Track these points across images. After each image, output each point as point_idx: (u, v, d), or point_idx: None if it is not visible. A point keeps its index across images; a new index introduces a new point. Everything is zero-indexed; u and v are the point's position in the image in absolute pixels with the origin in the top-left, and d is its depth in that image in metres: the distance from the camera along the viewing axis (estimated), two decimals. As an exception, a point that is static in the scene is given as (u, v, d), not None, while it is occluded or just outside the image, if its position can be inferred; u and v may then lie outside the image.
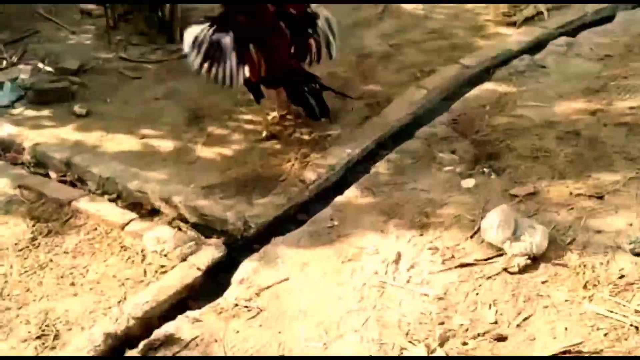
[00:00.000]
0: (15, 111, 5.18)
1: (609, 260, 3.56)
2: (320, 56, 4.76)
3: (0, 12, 6.47)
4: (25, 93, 5.33)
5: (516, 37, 5.59)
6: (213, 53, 4.48)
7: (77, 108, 5.14)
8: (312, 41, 4.73)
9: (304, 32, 4.73)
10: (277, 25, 4.71)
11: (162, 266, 3.89)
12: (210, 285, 3.80)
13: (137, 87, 5.37)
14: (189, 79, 5.36)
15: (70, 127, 4.98)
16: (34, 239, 4.13)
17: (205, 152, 4.67)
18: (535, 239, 3.58)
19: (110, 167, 4.57)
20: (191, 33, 4.55)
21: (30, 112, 5.16)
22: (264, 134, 4.84)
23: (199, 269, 3.83)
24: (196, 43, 4.50)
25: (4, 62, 5.74)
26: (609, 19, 5.69)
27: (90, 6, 6.42)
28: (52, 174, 4.65)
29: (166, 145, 4.76)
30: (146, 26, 6.01)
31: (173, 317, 3.56)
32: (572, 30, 5.59)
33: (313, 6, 4.79)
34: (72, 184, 4.56)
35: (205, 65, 4.50)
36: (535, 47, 5.42)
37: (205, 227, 4.14)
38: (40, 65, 5.61)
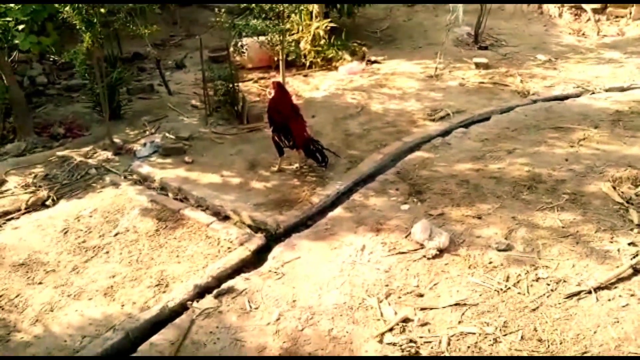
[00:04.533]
0: (151, 159, 5.16)
1: (483, 254, 3.51)
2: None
3: (148, 104, 6.49)
4: (158, 149, 5.31)
5: (434, 127, 5.53)
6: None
7: (186, 158, 5.10)
8: None
9: None
10: (295, 114, 4.73)
11: (229, 248, 3.84)
12: (256, 259, 3.76)
13: (221, 148, 5.33)
14: (250, 144, 5.35)
15: (182, 169, 4.94)
16: (157, 230, 4.09)
17: (257, 185, 4.62)
18: (442, 239, 3.54)
19: (203, 191, 4.52)
20: None
21: (159, 160, 5.13)
22: (277, 168, 4.81)
23: (250, 250, 3.79)
24: None
25: (147, 132, 5.73)
26: (487, 119, 5.64)
27: (198, 103, 6.44)
28: (170, 195, 4.60)
29: (235, 180, 4.71)
30: (228, 114, 6.00)
31: (234, 277, 3.52)
32: (466, 124, 5.54)
33: None
34: (181, 200, 4.51)
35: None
36: (445, 133, 5.37)
37: (255, 227, 4.08)
38: (167, 134, 5.60)
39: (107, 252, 3.87)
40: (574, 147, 4.85)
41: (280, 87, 4.79)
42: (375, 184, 4.47)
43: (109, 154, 5.31)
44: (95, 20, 4.62)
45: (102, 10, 4.77)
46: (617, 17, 8.74)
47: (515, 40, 8.33)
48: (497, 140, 5.10)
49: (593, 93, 6.20)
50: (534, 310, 3.00)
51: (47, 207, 4.51)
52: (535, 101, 6.05)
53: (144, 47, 8.01)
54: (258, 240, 3.89)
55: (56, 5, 4.37)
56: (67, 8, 4.36)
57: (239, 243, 3.86)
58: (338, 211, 4.15)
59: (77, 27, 4.50)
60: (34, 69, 7.37)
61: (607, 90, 6.22)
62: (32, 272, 3.70)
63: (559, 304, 3.03)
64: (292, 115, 4.70)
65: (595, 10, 8.78)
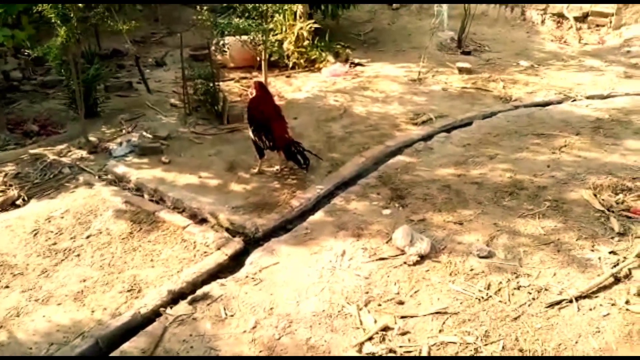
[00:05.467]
0: (127, 159, 5.01)
1: (464, 260, 3.45)
2: None
3: (126, 102, 6.33)
4: (134, 149, 5.16)
5: (417, 131, 5.46)
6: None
7: (163, 158, 4.96)
8: None
9: None
10: (276, 114, 4.63)
11: (205, 252, 3.72)
12: (233, 264, 3.64)
13: (199, 148, 5.20)
14: (230, 145, 5.23)
15: (159, 169, 4.80)
16: (131, 232, 3.95)
17: (236, 187, 4.51)
18: (423, 245, 3.47)
19: (180, 193, 4.40)
20: None
21: (136, 160, 4.98)
22: (257, 170, 4.70)
23: (227, 255, 3.68)
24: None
25: (124, 131, 5.57)
26: (470, 124, 5.61)
27: (177, 102, 6.29)
28: (146, 196, 4.47)
29: (213, 182, 4.59)
30: (208, 114, 5.88)
31: (209, 282, 3.41)
32: (449, 129, 5.49)
33: None
34: (157, 202, 4.37)
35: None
36: (428, 137, 5.31)
37: (233, 231, 3.97)
38: (144, 133, 5.46)
39: (79, 255, 3.72)
40: (556, 153, 4.84)
41: (261, 87, 4.70)
42: (357, 188, 4.39)
43: (83, 153, 5.15)
44: (72, 14, 4.47)
45: (80, 4, 4.63)
46: (597, 25, 8.83)
47: (498, 46, 8.35)
48: (479, 145, 5.06)
49: (574, 100, 6.21)
50: (515, 319, 2.94)
51: (18, 207, 4.34)
52: (517, 107, 6.04)
53: (123, 44, 7.84)
54: (236, 244, 3.78)
55: (29, -2, 4.21)
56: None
57: (215, 247, 3.74)
58: (318, 215, 4.06)
59: (53, 21, 4.34)
60: (8, 63, 7.16)
61: (588, 98, 6.24)
62: (-2, 275, 3.54)
63: (540, 313, 2.98)
64: (274, 115, 4.61)
65: (577, 19, 8.86)
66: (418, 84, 6.78)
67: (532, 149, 4.95)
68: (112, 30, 5.33)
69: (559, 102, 6.17)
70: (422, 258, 3.43)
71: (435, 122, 5.65)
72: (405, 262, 3.42)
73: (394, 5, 10.04)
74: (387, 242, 3.64)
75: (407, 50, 8.21)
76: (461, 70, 7.15)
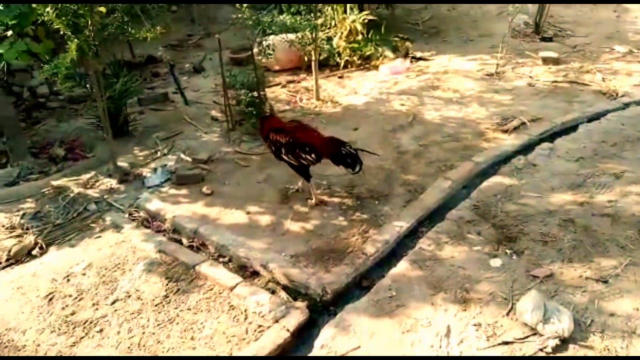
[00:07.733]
0: (163, 190, 4.18)
1: (627, 345, 2.38)
2: None
3: (161, 117, 5.51)
4: (170, 176, 4.32)
5: (510, 141, 4.39)
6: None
7: (204, 189, 4.10)
8: None
9: None
10: (300, 125, 3.78)
11: (259, 326, 2.81)
12: (297, 342, 2.72)
13: (246, 173, 4.32)
14: (281, 168, 4.28)
15: (200, 203, 3.94)
16: (166, 295, 3.09)
17: (293, 226, 3.59)
18: (564, 323, 2.42)
19: (225, 236, 3.51)
20: None
21: (172, 191, 4.14)
22: (314, 201, 3.76)
23: (288, 330, 2.75)
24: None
25: (159, 153, 4.75)
26: (573, 128, 4.48)
27: (218, 114, 5.43)
28: (184, 240, 3.59)
29: (264, 219, 3.69)
30: (253, 128, 4.98)
31: (269, 375, 2.49)
32: (549, 136, 4.39)
33: None
34: (197, 249, 3.50)
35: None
36: (525, 149, 4.25)
37: (293, 290, 3.05)
38: (182, 155, 4.63)
39: (101, 330, 2.89)
40: (703, 168, 3.69)
41: (262, 120, 3.92)
42: (448, 225, 3.38)
43: (113, 182, 4.35)
44: (84, 23, 3.61)
45: (100, 8, 3.79)
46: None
47: (582, 29, 7.08)
48: (595, 159, 3.95)
49: (700, 92, 4.98)
50: None
51: (34, 257, 3.56)
52: (627, 104, 4.87)
53: (158, 49, 7.05)
54: (299, 314, 2.84)
55: (34, 5, 3.36)
56: (47, 9, 3.34)
57: (273, 319, 2.82)
58: (403, 266, 3.08)
59: (62, 32, 3.50)
60: (34, 78, 6.46)
61: None
62: (2, 363, 2.75)
63: None
64: (297, 128, 3.74)
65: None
66: (497, 79, 5.67)
67: (669, 162, 3.81)
68: (132, 39, 4.48)
69: (681, 96, 4.96)
70: (564, 342, 2.40)
71: (530, 127, 4.54)
72: (541, 349, 2.39)
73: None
74: (507, 314, 2.62)
75: (475, 39, 7.07)
76: (546, 61, 5.98)
